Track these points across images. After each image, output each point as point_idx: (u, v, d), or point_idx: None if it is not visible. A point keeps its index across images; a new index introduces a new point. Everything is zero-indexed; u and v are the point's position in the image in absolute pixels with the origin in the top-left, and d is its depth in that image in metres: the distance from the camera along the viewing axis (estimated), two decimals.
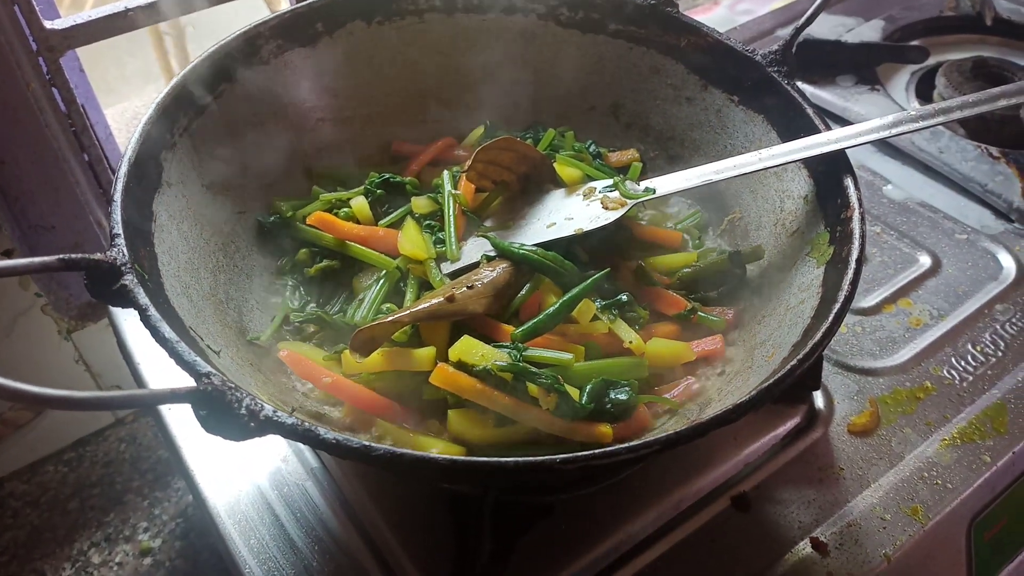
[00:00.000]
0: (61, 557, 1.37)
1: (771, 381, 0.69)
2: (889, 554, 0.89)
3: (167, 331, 0.67)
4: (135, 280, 0.70)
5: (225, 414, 0.62)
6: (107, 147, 1.33)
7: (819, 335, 0.72)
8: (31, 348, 1.37)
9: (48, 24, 1.14)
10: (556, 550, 0.86)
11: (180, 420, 1.02)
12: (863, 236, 0.81)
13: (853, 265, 0.79)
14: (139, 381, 1.10)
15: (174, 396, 0.60)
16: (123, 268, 0.71)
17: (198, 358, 0.65)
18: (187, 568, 1.34)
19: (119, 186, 0.79)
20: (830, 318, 0.74)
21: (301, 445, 0.99)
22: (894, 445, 0.98)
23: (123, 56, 3.38)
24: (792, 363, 0.70)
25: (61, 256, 0.69)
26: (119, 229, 0.74)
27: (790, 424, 0.98)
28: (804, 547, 0.89)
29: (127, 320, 1.15)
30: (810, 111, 0.94)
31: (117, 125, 1.55)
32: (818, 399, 1.02)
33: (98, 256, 0.70)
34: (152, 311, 0.68)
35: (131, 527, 1.39)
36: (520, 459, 0.63)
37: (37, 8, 1.12)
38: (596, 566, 0.87)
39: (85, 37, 1.17)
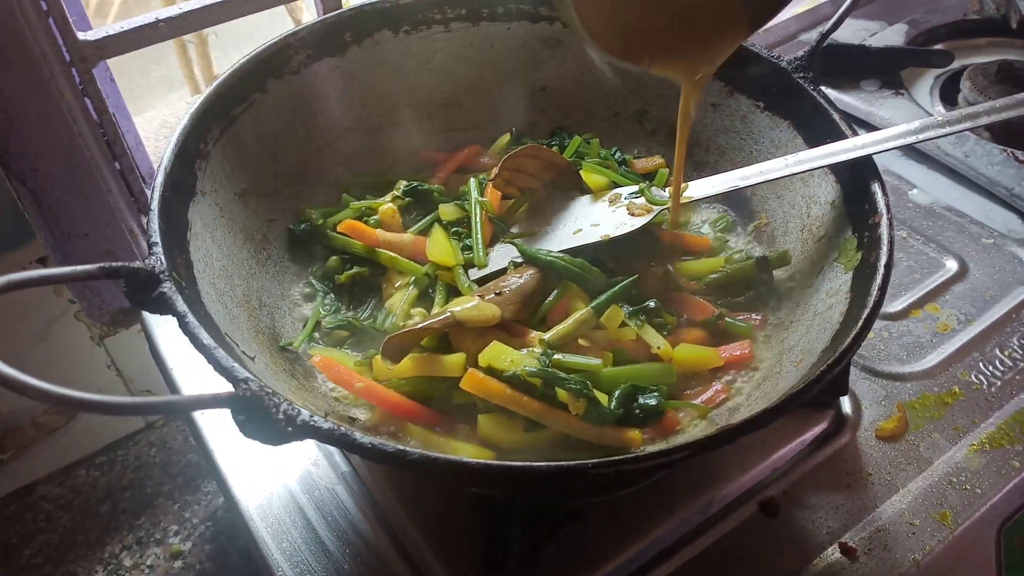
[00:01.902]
0: (93, 560, 1.39)
1: (801, 387, 0.69)
2: (918, 559, 0.89)
3: (205, 337, 0.69)
4: (173, 288, 0.72)
5: (263, 419, 0.63)
6: (137, 156, 1.35)
7: (848, 341, 0.72)
8: (64, 353, 1.39)
9: (81, 35, 1.16)
10: (584, 554, 0.87)
11: (213, 425, 1.04)
12: (891, 241, 0.81)
13: (882, 270, 0.79)
14: (172, 386, 1.12)
15: (214, 401, 0.62)
16: (161, 276, 0.72)
17: (235, 364, 0.67)
18: (216, 571, 1.36)
19: (156, 195, 0.80)
20: (859, 324, 0.74)
21: (331, 449, 1.00)
22: (922, 450, 0.98)
23: (147, 64, 3.43)
24: (821, 368, 0.70)
25: (102, 265, 0.70)
26: (157, 238, 0.76)
27: (818, 429, 0.98)
28: (833, 552, 0.89)
29: (159, 327, 1.17)
30: (836, 116, 0.94)
31: (145, 133, 1.58)
32: (845, 404, 1.02)
33: (137, 264, 0.72)
34: (190, 318, 0.70)
35: (162, 530, 1.41)
36: (552, 464, 0.64)
37: (71, 20, 1.14)
38: (624, 570, 0.88)
39: (117, 48, 1.20)
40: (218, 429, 1.03)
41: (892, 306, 1.14)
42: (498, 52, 1.15)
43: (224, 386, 0.65)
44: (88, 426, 1.49)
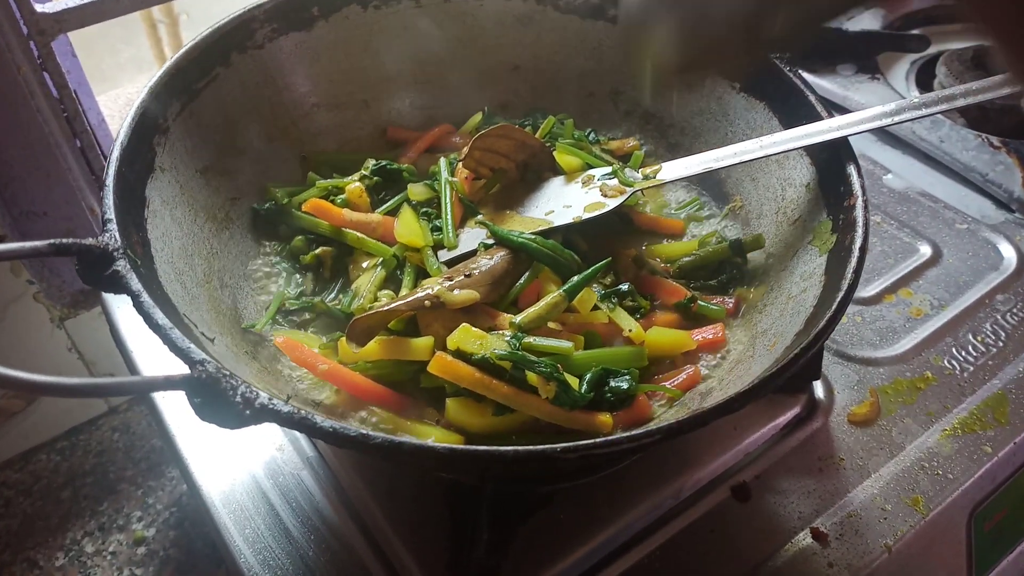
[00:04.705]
0: (54, 546, 1.36)
1: (774, 370, 0.68)
2: (890, 544, 0.88)
3: (160, 317, 0.66)
4: (127, 266, 0.69)
5: (220, 401, 0.61)
6: (99, 133, 1.32)
7: (822, 323, 0.71)
8: (23, 336, 1.36)
9: (39, 7, 1.12)
10: (555, 540, 0.86)
11: (174, 409, 1.01)
12: (866, 224, 0.81)
13: (856, 253, 0.78)
14: (132, 369, 1.09)
15: (168, 383, 0.59)
16: (115, 253, 0.70)
17: (192, 345, 0.64)
18: (181, 557, 1.33)
19: (111, 171, 0.78)
20: (833, 307, 0.73)
21: (297, 435, 0.98)
22: (895, 435, 0.98)
23: (117, 44, 3.37)
24: (795, 351, 0.69)
25: (52, 241, 0.68)
26: (111, 214, 0.73)
27: (790, 414, 0.98)
28: (804, 537, 0.89)
29: (120, 308, 1.14)
30: (812, 98, 0.93)
31: (110, 111, 1.54)
32: (818, 389, 1.02)
33: (90, 241, 0.69)
34: (145, 297, 0.67)
35: (125, 516, 1.39)
36: (520, 448, 0.62)
37: None
38: (595, 556, 0.87)
39: (76, 21, 1.16)
40: (179, 414, 1.01)
41: (865, 291, 1.13)
42: (470, 29, 1.13)
43: (182, 369, 0.63)
44: (49, 410, 1.46)
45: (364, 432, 0.62)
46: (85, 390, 0.58)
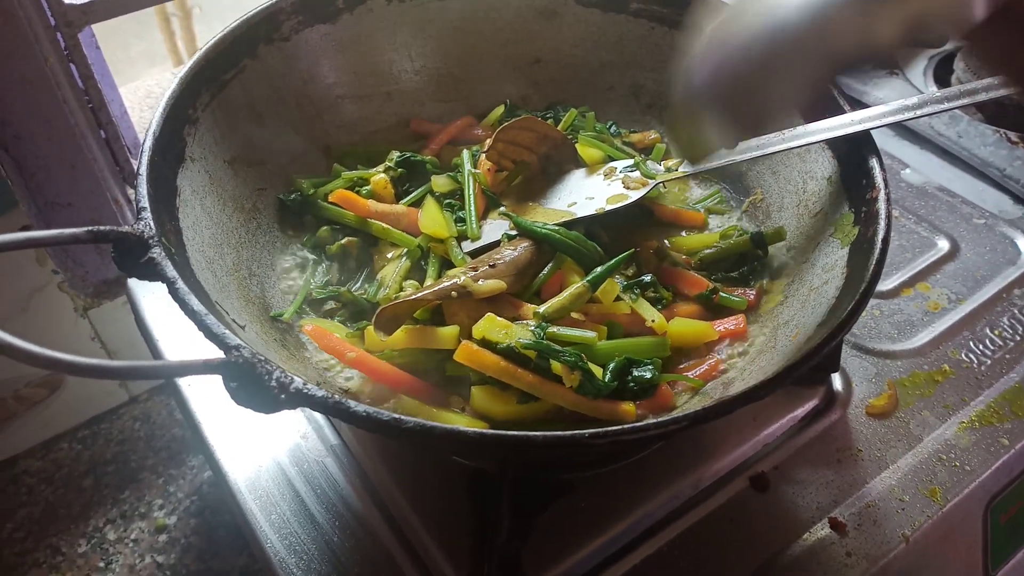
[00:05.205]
0: (76, 533, 1.37)
1: (798, 359, 0.69)
2: (907, 535, 0.89)
3: (196, 303, 0.67)
4: (162, 253, 0.70)
5: (255, 386, 0.62)
6: (122, 125, 1.33)
7: (846, 314, 0.72)
8: (47, 325, 1.37)
9: None
10: (575, 528, 0.87)
11: (200, 396, 1.02)
12: (889, 216, 0.81)
13: (879, 245, 0.78)
14: (157, 357, 1.10)
15: (205, 367, 0.60)
16: (150, 241, 0.71)
17: (227, 331, 0.65)
18: (202, 545, 1.35)
19: (144, 160, 0.79)
20: (856, 297, 0.73)
21: (321, 422, 0.99)
22: (912, 427, 0.98)
23: (129, 38, 3.38)
24: (818, 341, 0.70)
25: (89, 228, 0.69)
26: (146, 202, 0.74)
27: (808, 406, 0.98)
28: (822, 527, 0.89)
29: (145, 297, 1.15)
30: (834, 91, 0.94)
31: (130, 103, 1.55)
32: (836, 381, 1.02)
33: (126, 229, 0.70)
34: (180, 284, 0.68)
35: (146, 504, 1.40)
36: (549, 433, 0.63)
37: None
38: (615, 544, 0.87)
39: (103, 12, 1.17)
40: (205, 401, 1.02)
41: (884, 284, 1.14)
42: (492, 22, 1.14)
43: (215, 353, 0.64)
44: (71, 400, 1.47)
45: (396, 417, 0.63)
46: (125, 372, 0.59)
